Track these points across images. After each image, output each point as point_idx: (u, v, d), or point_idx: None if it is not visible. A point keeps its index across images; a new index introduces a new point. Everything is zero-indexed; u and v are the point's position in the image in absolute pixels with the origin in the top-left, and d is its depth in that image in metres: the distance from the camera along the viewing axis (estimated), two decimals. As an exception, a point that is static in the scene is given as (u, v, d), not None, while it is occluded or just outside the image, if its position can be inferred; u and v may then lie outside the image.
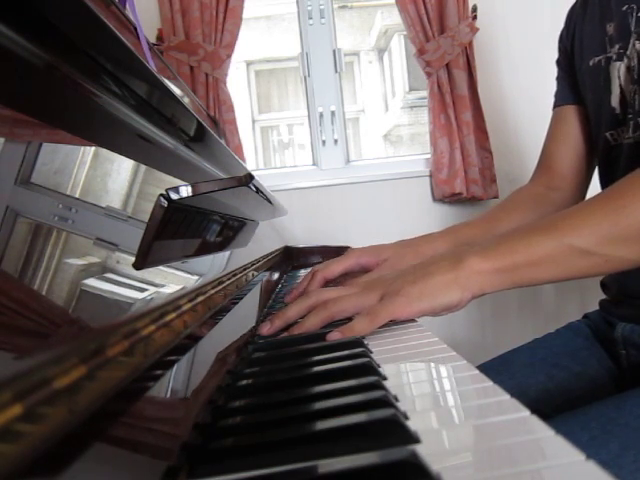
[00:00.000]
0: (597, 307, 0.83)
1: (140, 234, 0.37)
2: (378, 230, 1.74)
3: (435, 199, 1.77)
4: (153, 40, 1.62)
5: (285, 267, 1.24)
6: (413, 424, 0.27)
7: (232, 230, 0.70)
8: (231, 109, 1.65)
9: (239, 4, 1.63)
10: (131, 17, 0.74)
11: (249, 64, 4.88)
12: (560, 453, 0.23)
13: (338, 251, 1.26)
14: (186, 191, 0.41)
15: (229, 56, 1.64)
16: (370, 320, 0.47)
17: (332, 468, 0.23)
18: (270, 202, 0.72)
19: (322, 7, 1.79)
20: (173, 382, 0.29)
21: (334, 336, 0.46)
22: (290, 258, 1.33)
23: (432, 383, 0.35)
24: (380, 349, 0.44)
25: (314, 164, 1.85)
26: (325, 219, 1.77)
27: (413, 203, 1.79)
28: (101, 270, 0.32)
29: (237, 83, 3.98)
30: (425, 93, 1.74)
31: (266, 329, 0.51)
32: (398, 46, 5.07)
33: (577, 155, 0.84)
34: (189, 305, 0.35)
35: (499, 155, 1.73)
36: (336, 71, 1.81)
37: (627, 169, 0.71)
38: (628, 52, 0.70)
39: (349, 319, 0.50)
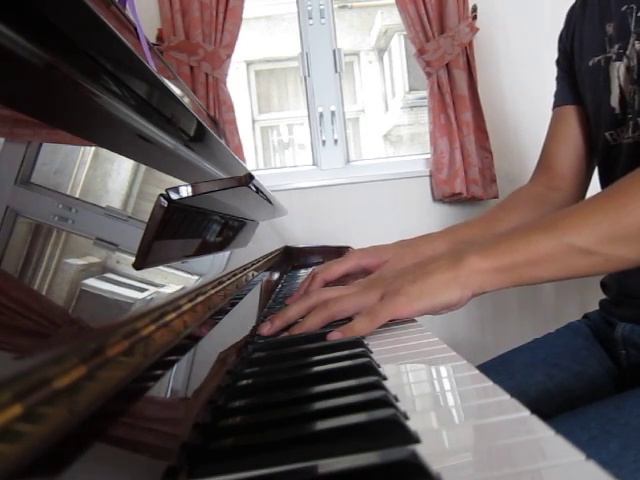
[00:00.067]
0: (597, 307, 0.83)
1: (140, 234, 0.37)
2: (378, 230, 1.74)
3: (435, 199, 1.77)
4: (153, 40, 1.62)
5: (285, 267, 1.24)
6: (413, 424, 0.27)
7: (232, 230, 0.70)
8: (231, 109, 1.65)
9: (239, 4, 1.63)
10: (131, 17, 0.74)
11: (249, 64, 4.88)
12: (560, 453, 0.23)
13: (338, 251, 1.26)
14: (186, 191, 0.41)
15: (229, 56, 1.64)
16: (370, 320, 0.47)
17: (332, 468, 0.23)
18: (270, 202, 0.72)
19: (322, 7, 1.79)
20: (173, 382, 0.29)
21: (335, 336, 0.46)
22: (290, 258, 1.33)
23: (432, 383, 0.35)
24: (380, 349, 0.44)
25: (314, 164, 1.85)
26: (325, 219, 1.77)
27: (413, 203, 1.79)
28: (101, 270, 0.32)
29: (237, 83, 3.98)
30: (425, 93, 1.74)
31: (266, 329, 0.51)
32: (398, 46, 5.07)
33: (577, 155, 0.84)
34: (189, 305, 0.35)
35: (499, 155, 1.73)
36: (336, 71, 1.81)
37: (627, 169, 0.71)
38: (628, 52, 0.70)
39: (349, 319, 0.50)
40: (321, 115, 1.81)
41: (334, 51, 1.81)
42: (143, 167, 0.42)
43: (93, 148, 0.34)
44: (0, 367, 0.18)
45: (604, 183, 0.80)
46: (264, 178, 1.66)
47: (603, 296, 0.81)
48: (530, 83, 1.75)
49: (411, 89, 4.94)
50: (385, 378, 0.35)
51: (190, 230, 0.50)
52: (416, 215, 1.77)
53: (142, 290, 0.36)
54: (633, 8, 0.68)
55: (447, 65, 1.67)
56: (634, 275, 0.71)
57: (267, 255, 0.92)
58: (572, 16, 0.84)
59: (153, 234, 0.38)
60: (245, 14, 1.65)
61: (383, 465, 0.22)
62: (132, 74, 0.34)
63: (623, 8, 0.70)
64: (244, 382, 0.36)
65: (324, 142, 1.81)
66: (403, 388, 0.34)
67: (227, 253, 0.66)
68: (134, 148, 0.41)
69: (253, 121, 4.86)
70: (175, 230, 0.44)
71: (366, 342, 0.46)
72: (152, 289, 0.37)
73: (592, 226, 0.49)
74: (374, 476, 0.22)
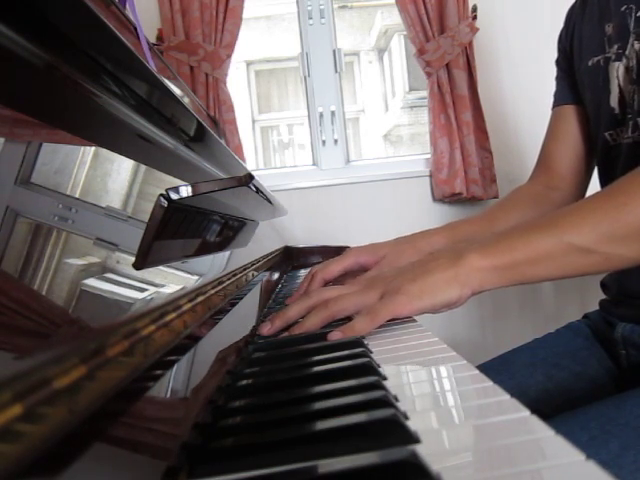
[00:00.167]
0: (597, 307, 0.83)
1: (140, 234, 0.37)
2: (378, 230, 1.74)
3: (435, 199, 1.77)
4: (153, 40, 1.62)
5: (285, 267, 1.24)
6: (413, 424, 0.27)
7: (232, 230, 0.70)
8: (231, 109, 1.65)
9: (239, 4, 1.63)
10: (131, 17, 0.74)
11: (249, 64, 4.88)
12: (560, 453, 0.23)
13: (338, 251, 1.26)
14: (186, 191, 0.41)
15: (229, 56, 1.64)
16: (371, 319, 0.47)
17: (332, 468, 0.23)
18: (270, 202, 0.72)
19: (322, 7, 1.79)
20: (173, 382, 0.29)
21: (335, 336, 0.46)
22: (290, 258, 1.33)
23: (432, 383, 0.35)
24: (380, 349, 0.44)
25: (314, 164, 1.85)
26: (325, 219, 1.77)
27: (413, 203, 1.79)
28: (101, 270, 0.32)
29: (237, 83, 3.98)
30: (425, 93, 1.74)
31: (266, 329, 0.51)
32: (398, 46, 5.07)
33: (576, 155, 0.84)
34: (189, 305, 0.35)
35: (499, 155, 1.73)
36: (336, 71, 1.81)
37: (626, 169, 0.71)
38: (627, 52, 0.70)
39: (349, 318, 0.50)
40: (321, 115, 1.81)
41: (334, 51, 1.81)
42: (143, 167, 0.42)
43: (93, 148, 0.34)
44: (0, 367, 0.18)
45: (604, 183, 0.80)
46: (264, 178, 1.66)
47: (603, 296, 0.81)
48: (530, 83, 1.75)
49: (411, 89, 4.94)
50: (385, 378, 0.35)
51: (190, 230, 0.50)
52: (416, 215, 1.78)
53: (142, 290, 0.36)
54: (632, 8, 0.68)
55: (447, 65, 1.67)
56: (634, 275, 0.71)
57: (267, 255, 0.92)
58: (572, 16, 0.84)
59: (153, 234, 0.38)
60: (245, 14, 1.65)
61: (383, 465, 0.22)
62: (132, 74, 0.34)
63: (622, 8, 0.70)
64: (244, 382, 0.36)
65: (324, 142, 1.81)
66: (403, 388, 0.34)
67: (227, 253, 0.66)
68: (134, 148, 0.41)
69: (253, 121, 4.86)
70: (175, 230, 0.44)
71: (366, 342, 0.46)
72: (152, 289, 0.37)
73: (592, 225, 0.48)
74: (374, 476, 0.22)
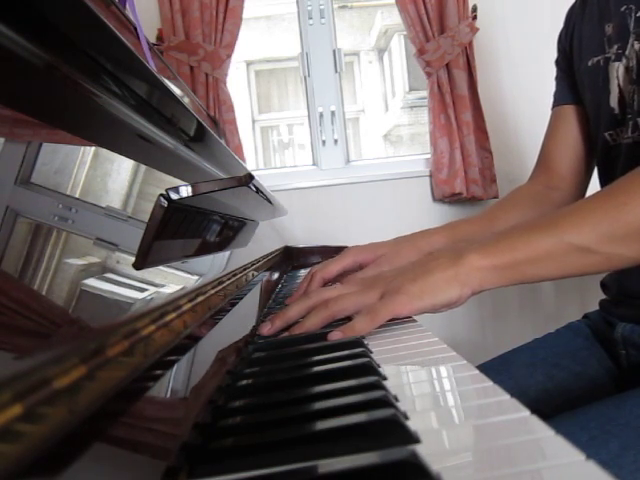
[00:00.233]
0: (597, 307, 0.83)
1: (140, 234, 0.37)
2: (378, 230, 1.74)
3: (435, 199, 1.77)
4: (153, 40, 1.62)
5: (285, 267, 1.24)
6: (413, 424, 0.27)
7: (232, 230, 0.70)
8: (231, 109, 1.65)
9: (239, 4, 1.63)
10: (131, 17, 0.74)
11: (249, 64, 4.88)
12: (560, 453, 0.23)
13: (338, 251, 1.25)
14: (186, 191, 0.41)
15: (229, 56, 1.64)
16: (371, 319, 0.47)
17: (332, 468, 0.23)
18: (270, 202, 0.72)
19: (322, 7, 1.79)
20: (173, 382, 0.29)
21: (335, 336, 0.46)
22: (290, 258, 1.33)
23: (432, 383, 0.35)
24: (380, 349, 0.44)
25: (314, 164, 1.86)
26: (325, 219, 1.77)
27: (413, 203, 1.79)
28: (101, 270, 0.32)
29: (237, 83, 3.98)
30: (425, 93, 1.74)
31: (266, 329, 0.51)
32: (398, 46, 5.07)
33: (576, 155, 0.84)
34: (189, 305, 0.35)
35: (499, 155, 1.73)
36: (336, 71, 1.81)
37: (626, 169, 0.71)
38: (627, 52, 0.70)
39: (349, 318, 0.50)
40: (321, 115, 1.81)
41: (334, 51, 1.81)
42: (143, 167, 0.42)
43: (93, 148, 0.34)
44: (0, 367, 0.18)
45: (603, 183, 0.80)
46: (264, 178, 1.66)
47: (603, 296, 0.81)
48: (530, 83, 1.75)
49: (411, 89, 4.94)
50: (385, 378, 0.35)
51: (190, 230, 0.50)
52: (416, 215, 1.78)
53: (142, 290, 0.36)
54: (632, 8, 0.68)
55: (447, 65, 1.67)
56: (634, 275, 0.71)
57: (267, 255, 0.92)
58: (571, 16, 0.84)
59: (153, 234, 0.38)
60: (245, 14, 1.65)
61: (383, 465, 0.22)
62: (132, 74, 0.34)
63: (622, 8, 0.70)
64: (244, 382, 0.36)
65: (324, 142, 1.81)
66: (403, 388, 0.34)
67: (227, 253, 0.66)
68: (134, 148, 0.41)
69: (253, 121, 4.86)
70: (175, 230, 0.44)
71: (366, 342, 0.46)
72: (152, 289, 0.37)
73: (592, 225, 0.48)
74: (374, 476, 0.22)
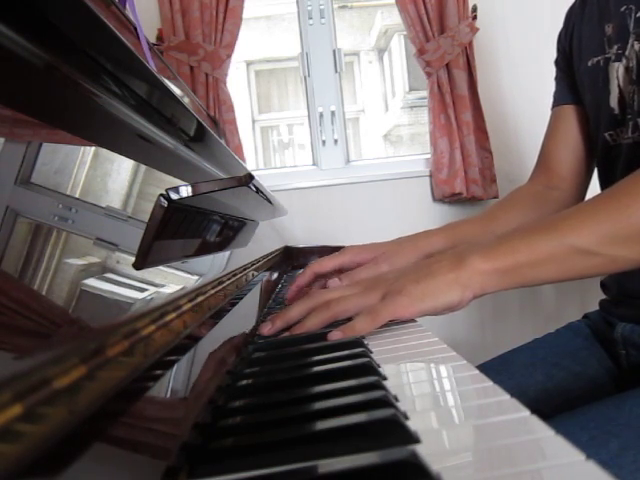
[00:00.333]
0: (597, 307, 0.83)
1: (140, 234, 0.37)
2: (378, 230, 1.74)
3: (435, 199, 1.77)
4: (153, 40, 1.62)
5: (285, 267, 1.24)
6: (413, 424, 0.27)
7: (232, 230, 0.70)
8: (231, 109, 1.65)
9: (239, 4, 1.63)
10: (131, 17, 0.74)
11: (249, 64, 4.88)
12: (560, 453, 0.23)
13: (337, 251, 1.26)
14: (186, 191, 0.41)
15: (229, 56, 1.64)
16: (372, 319, 0.47)
17: (332, 468, 0.23)
18: (270, 202, 0.72)
19: (322, 7, 1.79)
20: (173, 382, 0.29)
21: (335, 335, 0.46)
22: (290, 258, 1.33)
23: (432, 383, 0.35)
24: (380, 349, 0.44)
25: (314, 164, 1.86)
26: (325, 219, 1.77)
27: (413, 203, 1.79)
28: (101, 270, 0.32)
29: (237, 83, 3.98)
30: (425, 93, 1.74)
31: (267, 329, 0.51)
32: (398, 46, 5.07)
33: (576, 155, 0.84)
34: (189, 305, 0.35)
35: (499, 155, 1.73)
36: (336, 71, 1.81)
37: (626, 169, 0.71)
38: (627, 53, 0.70)
39: (350, 319, 0.50)
40: (321, 115, 1.81)
41: (334, 51, 1.81)
42: (143, 167, 0.42)
43: (93, 148, 0.34)
44: (0, 367, 0.18)
45: (603, 183, 0.80)
46: (264, 178, 1.66)
47: (603, 296, 0.81)
48: (530, 83, 1.75)
49: (411, 89, 4.94)
50: (385, 378, 0.35)
51: (190, 230, 0.50)
52: (416, 215, 1.78)
53: (142, 290, 0.36)
54: (632, 9, 0.68)
55: (447, 65, 1.67)
56: (634, 275, 0.71)
57: (267, 255, 0.92)
58: (571, 16, 0.84)
59: (153, 234, 0.38)
60: (245, 14, 1.65)
61: (383, 465, 0.22)
62: (132, 74, 0.34)
63: (622, 9, 0.70)
64: (244, 382, 0.36)
65: (324, 142, 1.81)
66: (403, 388, 0.34)
67: (227, 253, 0.66)
68: (134, 148, 0.41)
69: (253, 121, 4.86)
70: (175, 230, 0.44)
71: (366, 342, 0.46)
72: (152, 289, 0.37)
73: (594, 227, 0.48)
74: (374, 476, 0.22)
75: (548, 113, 0.88)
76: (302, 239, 1.66)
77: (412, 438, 0.25)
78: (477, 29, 1.69)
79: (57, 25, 0.25)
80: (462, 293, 0.48)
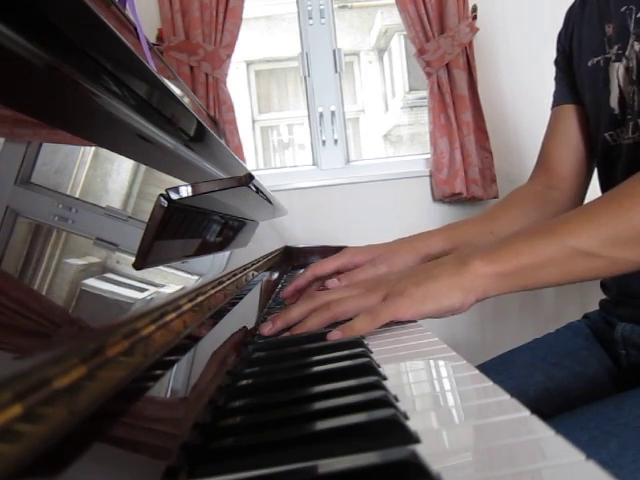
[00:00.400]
0: (597, 307, 0.83)
1: (140, 234, 0.37)
2: (378, 230, 1.74)
3: (435, 199, 1.77)
4: (153, 40, 1.62)
5: (285, 267, 1.24)
6: (413, 424, 0.27)
7: (232, 230, 0.70)
8: (231, 109, 1.65)
9: (239, 4, 1.63)
10: (131, 17, 0.74)
11: (249, 64, 4.88)
12: (560, 453, 0.23)
13: (338, 251, 1.26)
14: (186, 191, 0.41)
15: (229, 56, 1.64)
16: (372, 319, 0.47)
17: (332, 468, 0.23)
18: (270, 202, 0.72)
19: (322, 7, 1.79)
20: (173, 382, 0.29)
21: (334, 335, 0.46)
22: (290, 258, 1.33)
23: (432, 383, 0.35)
24: (380, 349, 0.44)
25: (314, 164, 1.86)
26: (325, 219, 1.77)
27: (413, 203, 1.79)
28: (101, 270, 0.32)
29: (237, 83, 3.98)
30: (425, 93, 1.74)
31: (267, 329, 0.51)
32: (398, 46, 5.07)
33: (576, 154, 0.83)
34: (189, 305, 0.35)
35: (499, 155, 1.73)
36: (336, 71, 1.81)
37: (626, 170, 0.71)
38: (627, 53, 0.70)
39: (351, 320, 0.50)
40: (321, 115, 1.81)
41: (334, 51, 1.81)
42: (143, 167, 0.42)
43: (93, 148, 0.34)
44: (0, 367, 0.18)
45: (603, 183, 0.80)
46: (264, 178, 1.66)
47: (603, 296, 0.81)
48: (530, 83, 1.75)
49: (411, 89, 4.94)
50: (385, 378, 0.35)
51: (190, 230, 0.50)
52: (416, 215, 1.78)
53: (142, 290, 0.36)
54: (633, 9, 0.68)
55: (447, 65, 1.67)
56: (634, 275, 0.71)
57: (267, 255, 0.92)
58: (571, 16, 0.84)
59: (153, 234, 0.38)
60: (245, 14, 1.65)
61: (383, 465, 0.22)
62: (132, 74, 0.34)
63: (622, 9, 0.70)
64: (244, 382, 0.36)
65: (324, 142, 1.81)
66: (403, 388, 0.34)
67: (227, 253, 0.66)
68: (134, 148, 0.41)
69: (253, 121, 4.86)
70: (175, 230, 0.44)
71: (366, 342, 0.46)
72: (152, 289, 0.37)
73: (595, 229, 0.48)
74: (374, 476, 0.22)
75: (548, 113, 0.88)
76: (302, 239, 1.66)
77: (412, 438, 0.25)
78: (477, 29, 1.69)
79: (57, 25, 0.25)
80: (464, 297, 0.48)
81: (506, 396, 0.30)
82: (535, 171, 0.89)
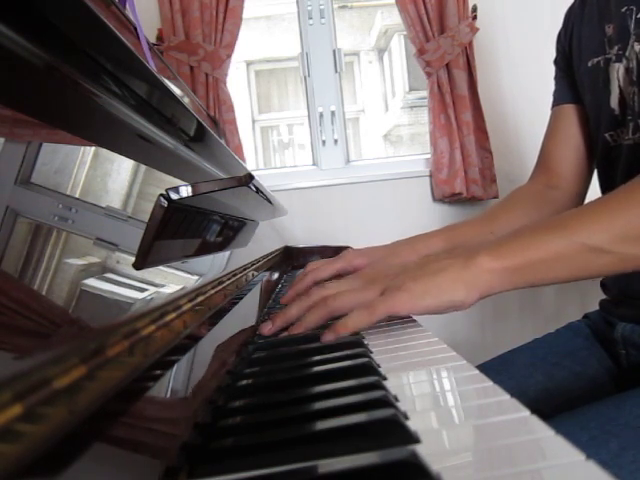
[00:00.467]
0: (597, 307, 0.82)
1: (140, 234, 0.37)
2: (378, 230, 1.74)
3: (435, 199, 1.77)
4: (153, 40, 1.62)
5: (285, 267, 1.24)
6: (413, 424, 0.27)
7: (232, 230, 0.70)
8: (231, 109, 1.65)
9: (239, 4, 1.63)
10: (131, 17, 0.74)
11: (249, 64, 4.88)
12: (560, 453, 0.23)
13: (338, 251, 1.26)
14: (186, 191, 0.41)
15: (229, 56, 1.64)
16: (368, 313, 0.45)
17: (332, 468, 0.23)
18: (270, 202, 0.72)
19: (322, 7, 1.79)
20: (173, 382, 0.29)
21: (328, 337, 0.45)
22: (290, 258, 1.33)
23: (432, 383, 0.35)
24: (380, 349, 0.44)
25: (314, 164, 1.86)
26: (325, 219, 1.77)
27: (413, 203, 1.79)
28: (101, 270, 0.32)
29: (237, 83, 3.98)
30: (425, 93, 1.74)
31: (267, 329, 0.51)
32: (398, 46, 5.07)
33: (576, 154, 0.83)
34: (189, 305, 0.35)
35: (499, 155, 1.73)
36: (336, 71, 1.81)
37: (627, 170, 0.71)
38: (627, 54, 0.70)
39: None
40: (321, 115, 1.81)
41: (334, 51, 1.81)
42: (143, 167, 0.42)
43: (93, 148, 0.34)
44: (0, 367, 0.18)
45: (604, 184, 0.80)
46: (264, 178, 1.66)
47: (603, 296, 0.81)
48: (530, 83, 1.75)
49: (411, 89, 4.94)
50: (385, 378, 0.35)
51: (190, 230, 0.50)
52: (416, 215, 1.78)
53: (142, 290, 0.36)
54: (633, 9, 0.68)
55: (447, 65, 1.67)
56: (635, 275, 0.71)
57: (267, 255, 0.92)
58: (570, 16, 0.84)
59: (153, 234, 0.38)
60: (245, 14, 1.65)
61: (383, 465, 0.22)
62: (132, 74, 0.34)
63: (623, 9, 0.70)
64: (244, 382, 0.36)
65: (324, 142, 1.81)
66: (403, 388, 0.34)
67: (227, 253, 0.66)
68: (134, 148, 0.41)
69: (253, 121, 4.86)
70: (175, 230, 0.44)
71: (366, 342, 0.46)
72: (152, 289, 0.37)
73: (605, 225, 0.48)
74: (374, 476, 0.22)
75: (548, 113, 0.88)
76: (302, 239, 1.66)
77: (412, 438, 0.25)
78: (477, 29, 1.69)
79: (57, 25, 0.25)
80: (467, 292, 0.46)
81: (506, 396, 0.30)
82: (535, 171, 0.89)
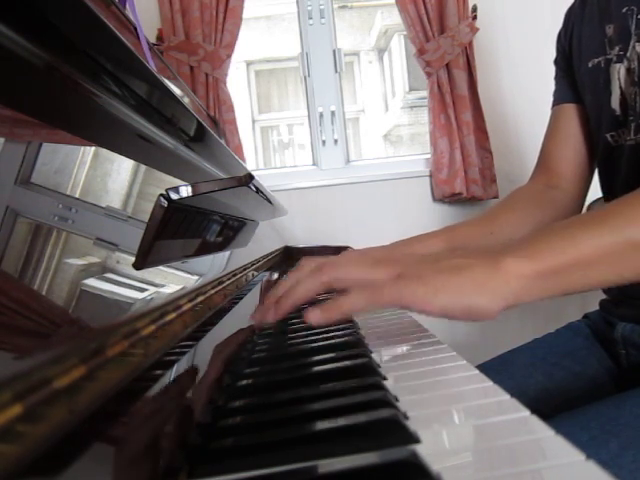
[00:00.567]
0: (597, 307, 0.82)
1: (140, 234, 0.37)
2: (378, 230, 1.74)
3: (435, 199, 1.77)
4: (153, 40, 1.62)
5: (285, 267, 1.24)
6: (413, 424, 0.27)
7: (232, 230, 0.70)
8: (231, 109, 1.65)
9: (239, 4, 1.63)
10: (131, 17, 0.74)
11: (249, 64, 4.88)
12: (560, 453, 0.23)
13: (338, 251, 1.26)
14: (186, 191, 0.41)
15: (229, 56, 1.64)
16: (371, 296, 0.38)
17: (332, 468, 0.23)
18: (270, 202, 0.72)
19: (322, 7, 1.79)
20: (173, 382, 0.29)
21: (313, 316, 0.37)
22: (290, 258, 1.33)
23: (432, 383, 0.35)
24: (380, 349, 0.44)
25: (314, 164, 1.85)
26: (325, 219, 1.77)
27: (413, 203, 1.79)
28: (101, 270, 0.32)
29: (237, 83, 3.98)
30: (425, 93, 1.74)
31: (270, 315, 0.43)
32: (398, 46, 5.07)
33: (576, 154, 0.83)
34: (189, 305, 0.35)
35: (499, 155, 1.73)
36: (336, 71, 1.81)
37: (628, 170, 0.71)
38: (628, 54, 0.70)
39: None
40: (321, 115, 1.81)
41: (334, 51, 1.81)
42: (143, 167, 0.42)
43: (93, 148, 0.34)
44: (0, 367, 0.18)
45: (605, 184, 0.80)
46: (264, 178, 1.66)
47: (603, 296, 0.81)
48: (530, 83, 1.75)
49: (411, 89, 4.94)
50: (385, 378, 0.35)
51: (190, 230, 0.50)
52: (416, 215, 1.78)
53: (142, 290, 0.36)
54: (634, 10, 0.68)
55: (447, 65, 1.67)
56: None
57: (267, 255, 0.92)
58: (571, 16, 0.84)
59: (153, 234, 0.38)
60: (245, 14, 1.65)
61: (383, 465, 0.22)
62: (132, 74, 0.34)
63: (624, 10, 0.70)
64: (244, 382, 0.36)
65: (324, 142, 1.81)
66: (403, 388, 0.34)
67: (227, 253, 0.66)
68: (134, 148, 0.41)
69: (253, 121, 4.86)
70: (175, 230, 0.44)
71: (366, 342, 0.46)
72: (152, 289, 0.37)
73: None
74: (374, 476, 0.22)
75: (548, 113, 0.88)
76: (302, 239, 1.66)
77: (412, 438, 0.25)
78: (477, 29, 1.69)
79: (57, 25, 0.25)
80: (491, 300, 0.39)
81: (506, 396, 0.30)
82: (536, 171, 0.88)
